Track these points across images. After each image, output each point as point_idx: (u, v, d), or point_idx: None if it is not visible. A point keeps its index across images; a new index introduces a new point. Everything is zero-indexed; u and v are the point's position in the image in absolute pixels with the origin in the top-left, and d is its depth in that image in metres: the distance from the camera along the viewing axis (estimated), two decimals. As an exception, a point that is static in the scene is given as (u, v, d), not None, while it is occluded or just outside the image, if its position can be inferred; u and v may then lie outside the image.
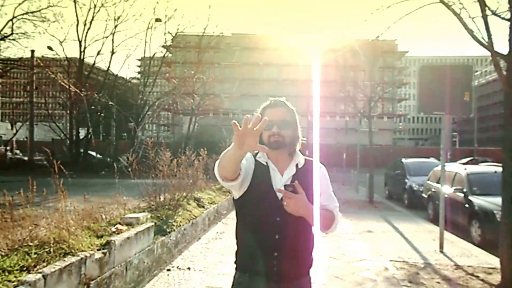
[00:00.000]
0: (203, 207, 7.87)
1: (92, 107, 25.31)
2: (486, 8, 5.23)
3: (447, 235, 7.56)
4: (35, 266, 3.03)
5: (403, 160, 15.28)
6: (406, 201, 13.36)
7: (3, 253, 3.17)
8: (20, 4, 22.66)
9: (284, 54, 52.45)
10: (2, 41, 21.98)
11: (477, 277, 5.39)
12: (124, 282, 4.20)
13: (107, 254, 3.85)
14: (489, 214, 7.58)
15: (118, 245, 4.08)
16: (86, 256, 3.46)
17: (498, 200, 5.24)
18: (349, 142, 22.51)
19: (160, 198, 6.60)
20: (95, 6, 25.63)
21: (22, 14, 22.58)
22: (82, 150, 26.37)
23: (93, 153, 26.73)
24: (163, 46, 29.93)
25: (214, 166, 1.89)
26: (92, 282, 3.55)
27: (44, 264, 3.10)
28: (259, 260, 1.92)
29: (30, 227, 3.58)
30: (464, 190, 8.84)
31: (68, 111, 27.14)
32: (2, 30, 22.23)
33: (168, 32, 28.56)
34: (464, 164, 17.24)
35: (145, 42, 36.43)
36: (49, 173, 4.26)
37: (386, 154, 30.26)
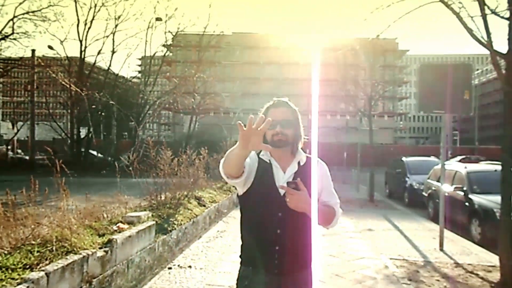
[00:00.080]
0: (204, 206, 7.89)
1: (93, 106, 25.27)
2: (485, 7, 5.23)
3: (447, 233, 7.59)
4: (37, 264, 3.06)
5: (404, 158, 15.24)
6: (407, 200, 13.36)
7: (6, 252, 3.20)
8: (21, 3, 22.65)
9: (285, 53, 52.48)
10: (3, 41, 22.02)
11: (477, 275, 5.41)
12: (125, 280, 4.23)
13: (109, 252, 3.88)
14: (489, 212, 7.59)
15: (120, 244, 4.10)
16: (88, 254, 3.49)
17: (498, 198, 5.25)
18: (349, 141, 22.45)
19: (161, 197, 6.63)
20: (95, 5, 25.58)
21: (23, 14, 22.59)
22: (83, 149, 26.35)
23: (94, 152, 26.75)
24: (164, 45, 29.89)
25: (219, 165, 1.94)
26: (94, 280, 3.58)
27: (47, 262, 3.13)
28: (261, 254, 1.98)
29: (32, 226, 3.61)
30: (464, 188, 8.85)
31: (69, 111, 27.16)
32: (3, 29, 22.27)
33: (169, 31, 28.56)
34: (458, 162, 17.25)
35: (146, 41, 36.08)
36: (51, 173, 4.28)
37: (386, 153, 30.24)
